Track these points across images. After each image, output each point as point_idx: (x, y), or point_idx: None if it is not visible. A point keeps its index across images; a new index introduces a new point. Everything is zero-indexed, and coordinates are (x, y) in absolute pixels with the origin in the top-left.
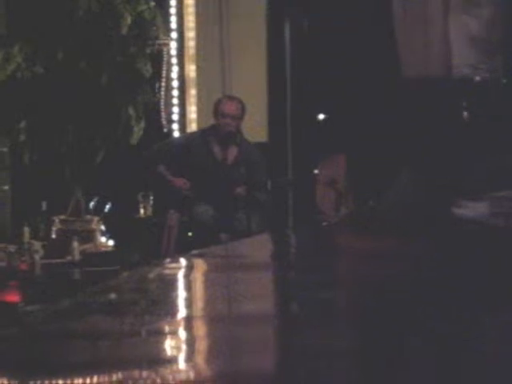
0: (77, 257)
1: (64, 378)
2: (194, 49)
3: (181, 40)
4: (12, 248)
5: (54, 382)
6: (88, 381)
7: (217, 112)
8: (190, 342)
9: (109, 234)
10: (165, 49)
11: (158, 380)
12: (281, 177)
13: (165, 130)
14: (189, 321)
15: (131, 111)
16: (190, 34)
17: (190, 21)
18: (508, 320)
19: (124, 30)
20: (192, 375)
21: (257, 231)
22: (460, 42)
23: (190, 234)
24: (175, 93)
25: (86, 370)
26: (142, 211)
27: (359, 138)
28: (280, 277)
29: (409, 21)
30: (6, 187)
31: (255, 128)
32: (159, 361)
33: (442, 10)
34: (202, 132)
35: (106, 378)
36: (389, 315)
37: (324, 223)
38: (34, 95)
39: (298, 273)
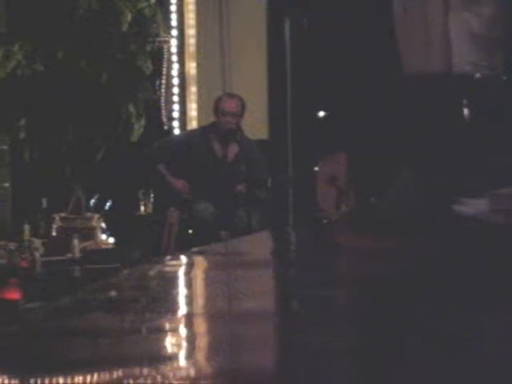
0: (77, 254)
1: (64, 375)
2: (195, 46)
3: (181, 37)
4: (12, 245)
5: (54, 379)
6: (88, 378)
7: (217, 110)
8: (191, 339)
9: (109, 231)
10: (165, 46)
11: (159, 377)
12: (281, 174)
13: (165, 128)
14: (189, 318)
15: (131, 109)
16: (191, 31)
17: (191, 18)
18: (508, 320)
19: (124, 28)
20: (192, 372)
21: (257, 229)
22: (460, 40)
23: (190, 231)
24: (175, 90)
25: (86, 367)
26: (142, 209)
27: (360, 135)
28: (280, 274)
29: (409, 19)
30: (7, 184)
31: (255, 125)
32: (160, 358)
33: (442, 7)
34: (203, 129)
35: (107, 376)
36: (388, 314)
37: (324, 221)
38: (34, 93)
39: (298, 270)
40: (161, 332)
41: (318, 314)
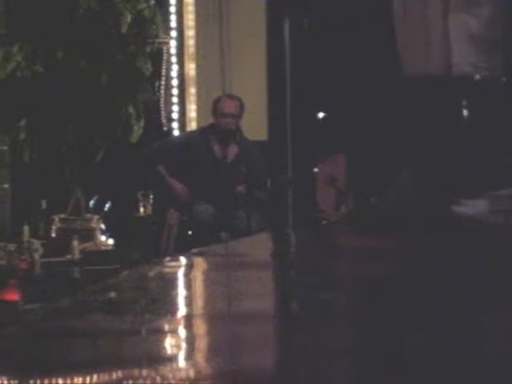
0: (77, 255)
1: (64, 376)
2: (194, 47)
3: (180, 38)
4: (12, 247)
5: (53, 380)
6: (88, 379)
7: (216, 111)
8: (190, 340)
9: (109, 232)
10: (165, 47)
11: (158, 378)
12: (281, 175)
13: (165, 129)
14: (189, 319)
15: (131, 110)
16: (190, 32)
17: (190, 19)
18: (508, 320)
19: (124, 29)
20: (192, 373)
21: (257, 230)
22: (460, 41)
23: (189, 232)
24: (175, 91)
25: (85, 368)
26: (141, 210)
27: (359, 136)
28: (280, 275)
29: (409, 20)
30: (6, 185)
31: (255, 126)
32: (159, 359)
33: (442, 8)
34: (202, 130)
35: (106, 377)
36: (388, 314)
37: (324, 222)
38: (34, 94)
39: (297, 272)
40: (160, 333)
41: (318, 314)
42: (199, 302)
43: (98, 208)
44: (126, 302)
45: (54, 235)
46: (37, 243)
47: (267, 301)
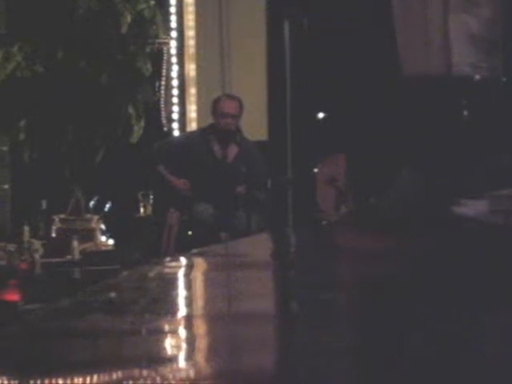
0: (77, 256)
1: (64, 376)
2: (194, 48)
3: (181, 39)
4: (12, 247)
5: (53, 380)
6: (88, 379)
7: (216, 111)
8: (190, 340)
9: (109, 232)
10: (165, 48)
11: (158, 379)
12: (280, 175)
13: (165, 129)
14: (189, 319)
15: (131, 110)
16: (190, 32)
17: (190, 20)
18: (508, 320)
19: (124, 29)
20: (192, 374)
21: (257, 230)
22: (460, 41)
23: (189, 232)
24: (175, 92)
25: (85, 368)
26: (142, 210)
27: (359, 136)
28: (280, 276)
29: (409, 20)
30: (6, 186)
31: (255, 126)
32: (159, 359)
33: (442, 9)
34: (202, 131)
35: (106, 377)
36: (388, 314)
37: (324, 222)
38: (34, 94)
39: (297, 272)
40: (160, 333)
41: (318, 314)
42: (199, 302)
43: (98, 208)
44: (126, 302)
45: (54, 235)
46: (37, 243)
47: (267, 301)
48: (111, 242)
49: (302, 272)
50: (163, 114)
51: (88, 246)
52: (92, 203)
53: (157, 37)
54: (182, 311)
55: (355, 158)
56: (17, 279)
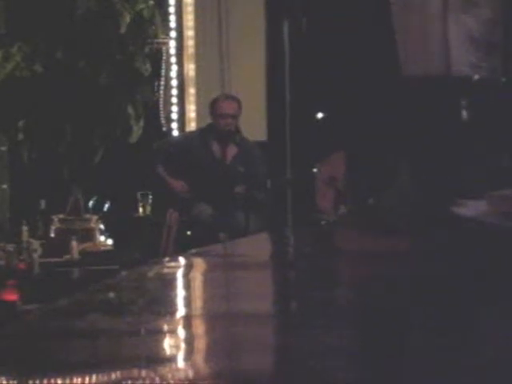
0: (76, 256)
1: (62, 376)
2: (193, 48)
3: (180, 39)
4: (10, 247)
5: (52, 380)
6: (87, 380)
7: (214, 111)
8: (189, 340)
9: (108, 232)
10: (164, 48)
11: (157, 379)
12: (280, 175)
13: (164, 129)
14: (188, 319)
15: (130, 110)
16: (189, 32)
17: (189, 20)
18: (508, 320)
19: (123, 29)
20: (191, 374)
21: (256, 230)
22: (459, 41)
23: (188, 233)
24: (174, 92)
25: (84, 368)
26: (141, 210)
27: (359, 136)
28: (279, 276)
29: (408, 20)
30: (5, 186)
31: (254, 127)
32: (158, 359)
33: (441, 8)
34: (201, 131)
35: (105, 377)
36: (388, 314)
37: (323, 222)
38: (33, 94)
39: (297, 272)
40: (159, 333)
41: (317, 314)
42: (198, 302)
43: (97, 208)
44: (125, 302)
45: (52, 235)
46: (36, 243)
47: (266, 301)
48: (110, 242)
49: (301, 272)
50: (162, 114)
51: (87, 245)
52: (91, 203)
53: (156, 37)
54: (181, 311)
55: (354, 157)
56: (15, 279)
